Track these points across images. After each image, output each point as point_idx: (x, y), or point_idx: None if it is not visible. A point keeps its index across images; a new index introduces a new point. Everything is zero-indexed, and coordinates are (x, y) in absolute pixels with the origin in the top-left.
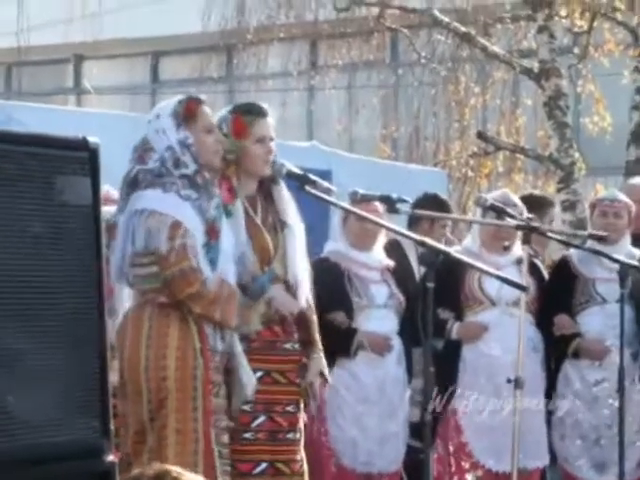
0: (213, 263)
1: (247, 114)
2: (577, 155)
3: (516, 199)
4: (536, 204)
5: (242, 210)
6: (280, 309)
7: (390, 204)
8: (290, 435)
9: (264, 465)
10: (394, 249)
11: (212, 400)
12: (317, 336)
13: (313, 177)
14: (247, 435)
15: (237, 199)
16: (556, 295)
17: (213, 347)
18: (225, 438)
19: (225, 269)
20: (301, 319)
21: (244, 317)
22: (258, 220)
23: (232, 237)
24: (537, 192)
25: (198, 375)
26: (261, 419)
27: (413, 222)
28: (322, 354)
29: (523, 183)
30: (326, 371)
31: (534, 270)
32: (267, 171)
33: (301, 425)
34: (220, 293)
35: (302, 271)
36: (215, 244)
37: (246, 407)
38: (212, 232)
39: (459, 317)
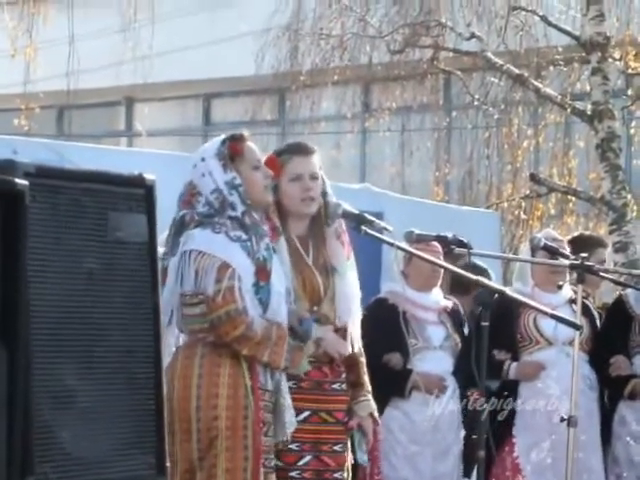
0: (263, 303)
1: (283, 153)
2: (629, 197)
3: (555, 234)
4: (584, 243)
5: (286, 248)
6: (328, 350)
7: (446, 244)
8: (337, 474)
9: None
10: None
11: (262, 439)
12: (365, 378)
13: (369, 217)
14: (293, 474)
15: (281, 237)
16: (611, 335)
17: (263, 385)
18: (273, 477)
19: (277, 310)
20: (350, 361)
21: (293, 359)
22: (309, 260)
23: (283, 277)
24: (586, 232)
25: (249, 414)
26: (307, 458)
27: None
28: (370, 396)
29: (575, 225)
30: (376, 413)
31: (586, 310)
32: (309, 210)
33: (349, 465)
34: (267, 335)
35: (351, 315)
36: (265, 285)
37: (292, 446)
38: (262, 273)
39: (515, 358)
